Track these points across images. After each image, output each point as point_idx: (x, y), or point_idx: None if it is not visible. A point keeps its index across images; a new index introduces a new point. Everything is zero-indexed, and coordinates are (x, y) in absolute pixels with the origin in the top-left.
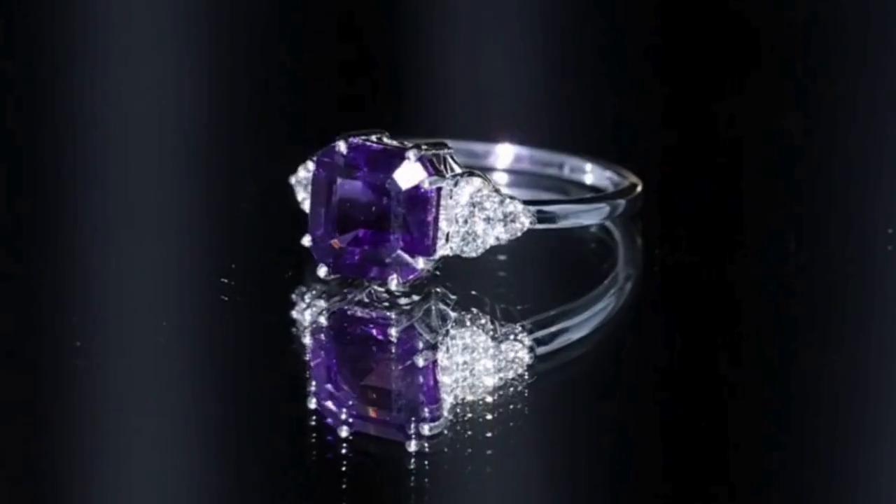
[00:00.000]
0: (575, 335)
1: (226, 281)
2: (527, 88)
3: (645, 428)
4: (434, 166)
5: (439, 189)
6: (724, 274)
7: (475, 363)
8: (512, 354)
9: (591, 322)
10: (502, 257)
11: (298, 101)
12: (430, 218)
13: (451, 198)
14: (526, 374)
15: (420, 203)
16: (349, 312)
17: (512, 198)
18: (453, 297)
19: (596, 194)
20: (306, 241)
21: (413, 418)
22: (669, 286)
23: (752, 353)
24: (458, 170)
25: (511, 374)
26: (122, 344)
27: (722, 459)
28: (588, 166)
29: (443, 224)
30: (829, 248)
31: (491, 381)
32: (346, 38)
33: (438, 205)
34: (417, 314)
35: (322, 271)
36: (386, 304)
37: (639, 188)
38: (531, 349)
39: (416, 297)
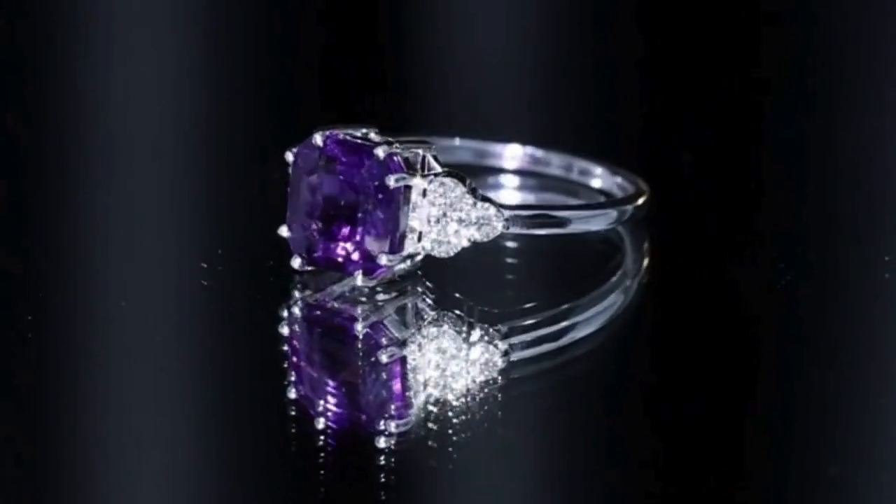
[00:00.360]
0: (581, 332)
1: (205, 266)
2: (538, 88)
3: (629, 431)
4: (409, 164)
5: (408, 187)
6: (728, 275)
7: (447, 364)
8: (485, 357)
9: (597, 319)
10: (511, 252)
11: (304, 97)
12: (395, 215)
13: (424, 197)
14: (499, 377)
15: (385, 199)
16: (328, 305)
17: (488, 200)
18: (431, 295)
19: (604, 200)
20: (283, 231)
21: (381, 415)
22: (675, 284)
23: (759, 356)
24: (438, 169)
25: (483, 378)
26: (94, 329)
27: (720, 462)
28: (597, 170)
29: (415, 223)
30: (835, 250)
31: (463, 383)
32: (352, 36)
33: (407, 203)
34: (389, 310)
35: (296, 262)
36: (364, 299)
37: (646, 194)
38: (505, 353)
39: (394, 294)
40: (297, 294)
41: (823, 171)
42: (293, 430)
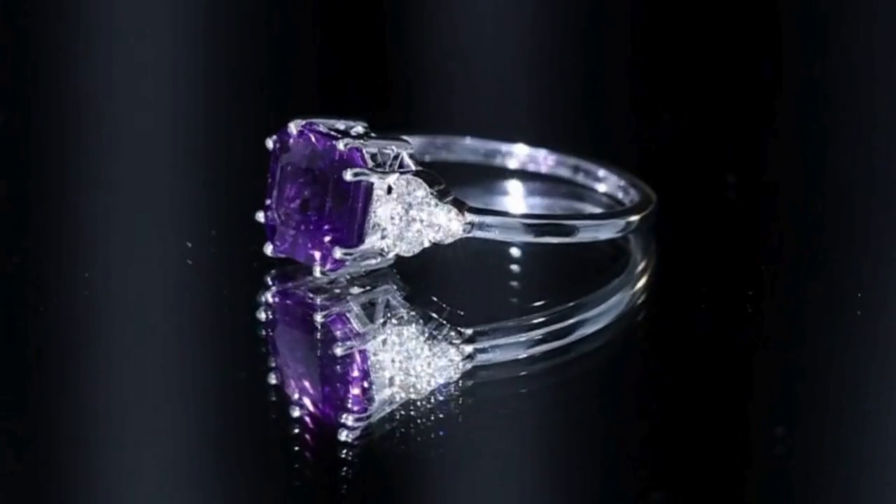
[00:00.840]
0: (589, 329)
1: (190, 245)
2: (547, 89)
3: (631, 430)
4: (376, 160)
5: (369, 183)
6: (733, 276)
7: (409, 363)
8: (447, 359)
9: (603, 318)
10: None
11: (304, 96)
12: (352, 209)
13: (389, 193)
14: (460, 380)
15: (343, 193)
16: (300, 294)
17: (455, 203)
18: (403, 293)
19: (611, 210)
20: (259, 216)
21: (339, 408)
22: (680, 285)
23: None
24: (412, 167)
25: (444, 380)
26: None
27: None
28: (602, 172)
29: (380, 220)
30: (842, 252)
31: (425, 383)
32: (361, 34)
33: (367, 198)
34: (353, 304)
35: (268, 249)
36: (338, 290)
37: (654, 203)
38: (469, 357)
39: (367, 288)
40: (270, 281)
41: (831, 165)
42: (253, 417)
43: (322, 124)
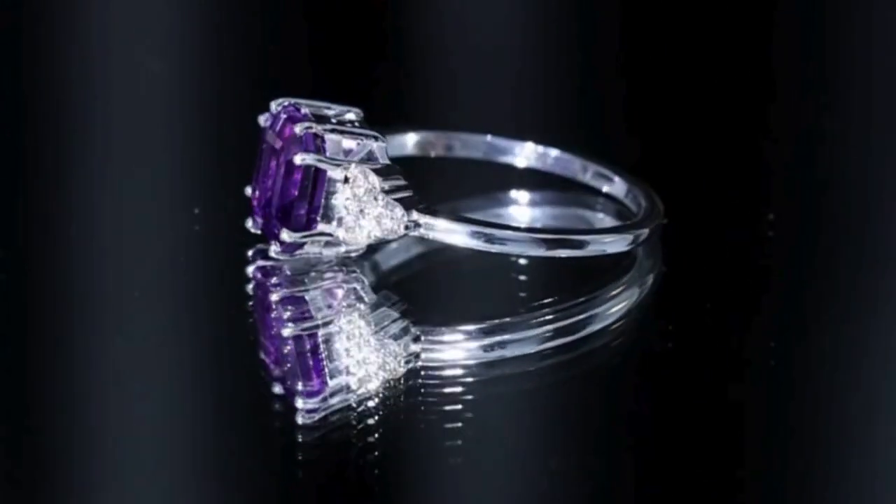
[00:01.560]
0: (597, 325)
1: (197, 211)
2: (558, 88)
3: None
4: (338, 148)
5: (318, 170)
6: (736, 273)
7: (358, 353)
8: (392, 360)
9: (610, 315)
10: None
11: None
12: (297, 192)
13: (346, 183)
14: (402, 378)
15: (291, 176)
16: (273, 274)
17: (407, 200)
18: (367, 283)
19: (621, 224)
20: (247, 190)
21: (291, 388)
22: (688, 284)
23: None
24: (380, 162)
25: (389, 374)
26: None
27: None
28: (613, 177)
29: (336, 208)
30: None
31: (374, 374)
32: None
33: (315, 184)
34: (316, 289)
35: (249, 223)
36: (313, 273)
37: (662, 215)
38: (415, 355)
39: (335, 274)
40: (251, 254)
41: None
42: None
43: (306, 106)
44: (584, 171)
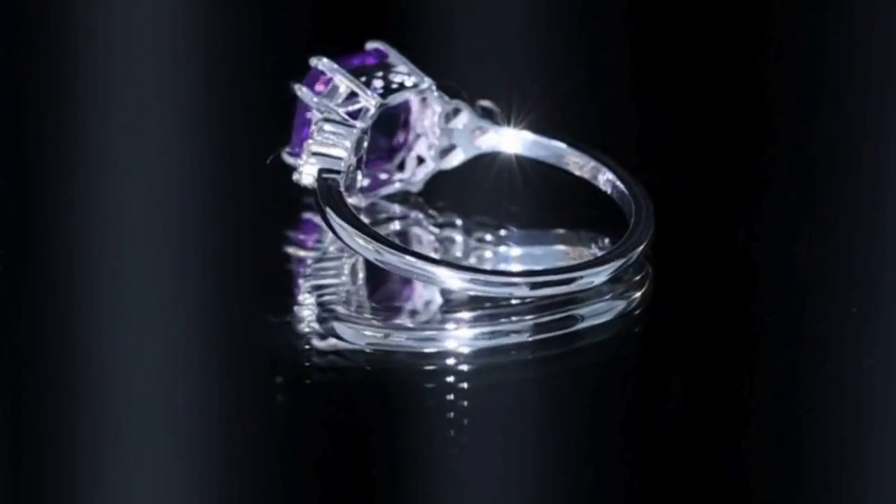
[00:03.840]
0: (589, 322)
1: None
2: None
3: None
4: (350, 95)
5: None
6: (736, 273)
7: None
8: (315, 314)
9: (606, 314)
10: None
11: None
12: (296, 117)
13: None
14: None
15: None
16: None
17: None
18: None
19: (608, 252)
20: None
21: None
22: (685, 284)
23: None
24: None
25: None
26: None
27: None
28: (605, 172)
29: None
30: (844, 250)
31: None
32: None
33: (303, 112)
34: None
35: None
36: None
37: (650, 237)
38: (334, 335)
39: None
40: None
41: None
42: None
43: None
44: (578, 167)
